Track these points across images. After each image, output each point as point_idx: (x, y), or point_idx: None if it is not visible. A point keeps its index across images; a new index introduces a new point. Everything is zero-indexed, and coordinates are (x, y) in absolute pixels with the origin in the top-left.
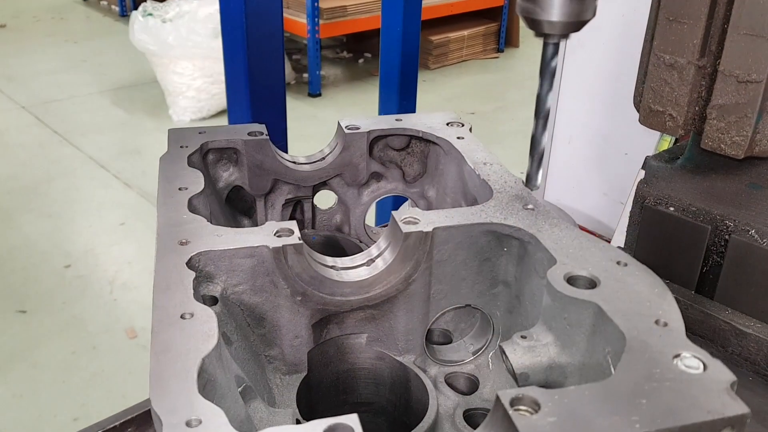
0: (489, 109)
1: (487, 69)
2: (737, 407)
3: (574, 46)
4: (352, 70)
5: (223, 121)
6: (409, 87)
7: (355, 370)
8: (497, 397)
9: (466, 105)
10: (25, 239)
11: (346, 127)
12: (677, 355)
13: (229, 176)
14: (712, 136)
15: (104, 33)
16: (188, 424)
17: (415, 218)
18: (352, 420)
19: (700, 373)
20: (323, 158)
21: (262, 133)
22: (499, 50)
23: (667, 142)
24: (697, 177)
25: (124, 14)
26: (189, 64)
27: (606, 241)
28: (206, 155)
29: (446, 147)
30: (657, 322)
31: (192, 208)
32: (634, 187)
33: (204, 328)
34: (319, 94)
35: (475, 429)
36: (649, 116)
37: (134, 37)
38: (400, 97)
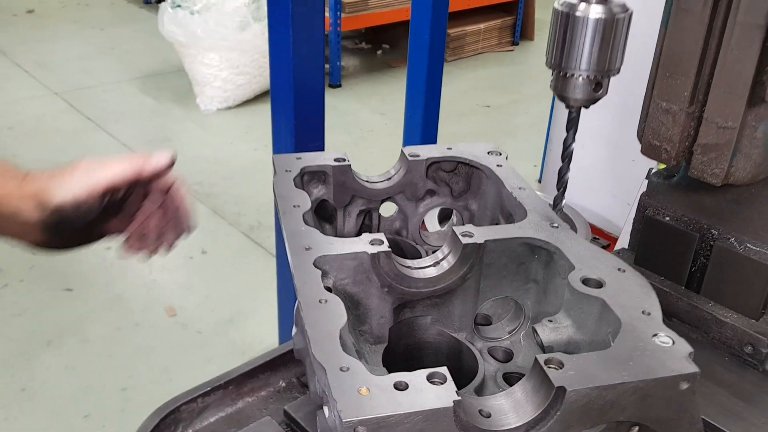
0: (504, 102)
1: (503, 62)
2: (691, 368)
3: None
4: (370, 61)
5: (249, 110)
6: (435, 79)
7: (421, 343)
8: (535, 359)
9: (481, 98)
10: None
11: (409, 155)
12: (655, 335)
13: (318, 192)
14: (697, 167)
15: (129, 20)
16: (341, 369)
17: (471, 233)
18: (444, 369)
19: (669, 346)
20: (390, 179)
21: (345, 160)
22: (515, 43)
23: None
24: (689, 193)
25: (148, 1)
26: (216, 55)
27: (614, 238)
28: (303, 176)
29: (488, 172)
30: (643, 312)
31: (305, 221)
32: (638, 197)
33: (337, 310)
34: (339, 85)
35: (511, 386)
36: (649, 148)
37: (163, 28)
38: (427, 87)
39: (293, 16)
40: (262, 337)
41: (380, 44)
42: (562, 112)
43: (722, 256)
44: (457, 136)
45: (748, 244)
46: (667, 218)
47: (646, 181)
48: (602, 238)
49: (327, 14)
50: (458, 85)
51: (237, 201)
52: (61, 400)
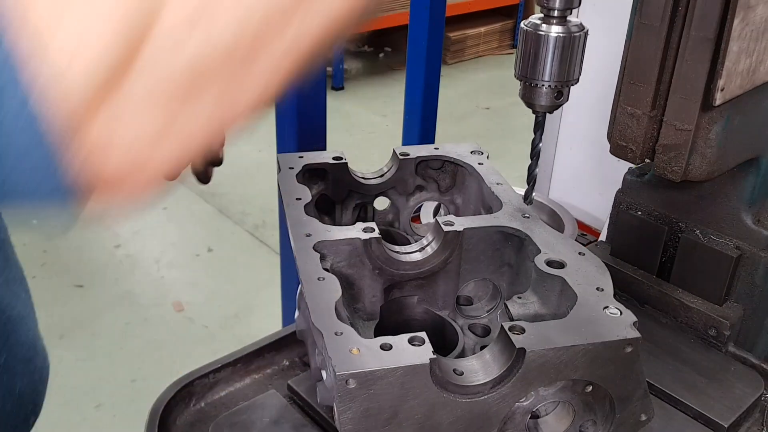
0: (503, 104)
1: (502, 65)
2: (634, 333)
3: None
4: (373, 64)
5: None
6: (433, 82)
7: (409, 320)
8: (501, 326)
9: (481, 100)
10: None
11: (399, 154)
12: (606, 307)
13: (318, 187)
14: (659, 165)
15: None
16: (336, 333)
17: (451, 221)
18: (423, 334)
19: (617, 316)
20: (382, 175)
21: (342, 159)
22: (514, 47)
23: None
24: (659, 189)
25: None
26: None
27: (597, 232)
28: (305, 173)
29: (470, 170)
30: (597, 288)
31: (306, 212)
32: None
33: (333, 286)
34: (342, 88)
35: None
36: (617, 148)
37: None
38: (425, 91)
39: None
40: (267, 331)
41: (382, 47)
42: (553, 117)
43: (689, 247)
44: (458, 138)
45: (712, 236)
46: (639, 213)
47: None
48: (589, 233)
49: None
50: (459, 88)
51: (242, 200)
52: (74, 391)
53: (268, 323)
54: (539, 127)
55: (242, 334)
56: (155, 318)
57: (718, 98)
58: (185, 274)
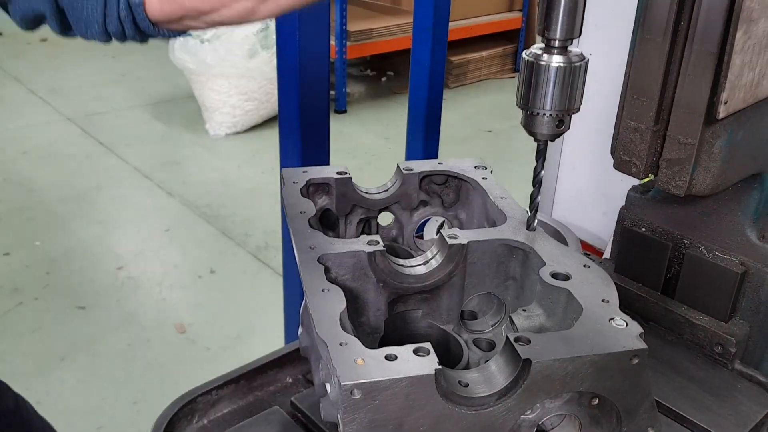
0: (505, 127)
1: (504, 88)
2: (641, 344)
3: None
4: (375, 88)
5: (257, 135)
6: (435, 105)
7: (413, 334)
8: (506, 337)
9: (483, 123)
10: (79, 243)
11: (403, 168)
12: (612, 318)
13: (322, 202)
14: (663, 180)
15: (140, 48)
16: (340, 344)
17: (456, 235)
18: (428, 345)
19: (623, 327)
20: (386, 190)
21: (346, 173)
22: (516, 71)
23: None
24: (663, 205)
25: None
26: (225, 82)
27: (600, 251)
28: (309, 187)
29: (474, 184)
30: (603, 300)
31: (310, 225)
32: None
33: (337, 297)
34: (345, 111)
35: None
36: (620, 163)
37: (174, 56)
38: (427, 114)
39: (300, 44)
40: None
41: (385, 71)
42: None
43: (693, 264)
44: None
45: (716, 252)
46: (644, 229)
47: None
48: (593, 253)
49: (333, 42)
50: (461, 111)
51: (244, 222)
52: (75, 414)
53: (271, 345)
54: (541, 155)
55: (244, 355)
56: (157, 340)
57: (722, 111)
58: (187, 295)
